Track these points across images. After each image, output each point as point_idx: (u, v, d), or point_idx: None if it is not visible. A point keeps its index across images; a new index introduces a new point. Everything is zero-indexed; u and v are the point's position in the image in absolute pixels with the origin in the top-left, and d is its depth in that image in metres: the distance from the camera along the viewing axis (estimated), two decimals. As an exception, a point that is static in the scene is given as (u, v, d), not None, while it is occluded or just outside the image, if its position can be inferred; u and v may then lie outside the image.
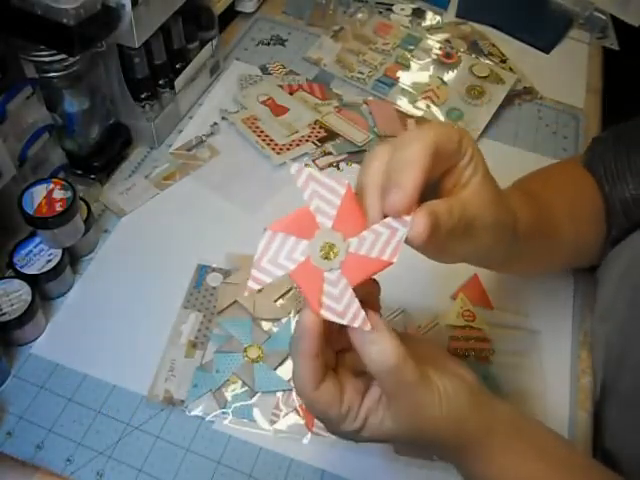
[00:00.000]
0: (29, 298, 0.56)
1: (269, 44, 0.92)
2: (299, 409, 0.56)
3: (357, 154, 0.77)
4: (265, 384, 0.57)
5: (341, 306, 0.35)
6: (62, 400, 0.55)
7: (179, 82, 0.76)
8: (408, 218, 0.34)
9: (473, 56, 0.91)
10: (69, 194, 0.59)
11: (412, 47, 0.91)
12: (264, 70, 0.87)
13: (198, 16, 0.77)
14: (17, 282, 0.56)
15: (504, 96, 0.85)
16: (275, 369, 0.58)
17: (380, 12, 0.98)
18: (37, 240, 0.60)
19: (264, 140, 0.76)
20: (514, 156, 0.80)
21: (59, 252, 0.60)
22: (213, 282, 0.64)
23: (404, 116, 0.82)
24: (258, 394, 0.57)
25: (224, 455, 0.54)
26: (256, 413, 0.56)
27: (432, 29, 0.96)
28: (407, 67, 0.89)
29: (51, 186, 0.59)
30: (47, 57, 0.60)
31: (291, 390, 0.57)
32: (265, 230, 0.35)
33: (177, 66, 0.75)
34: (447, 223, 0.35)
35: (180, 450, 0.54)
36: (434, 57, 0.90)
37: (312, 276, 0.35)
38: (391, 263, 0.35)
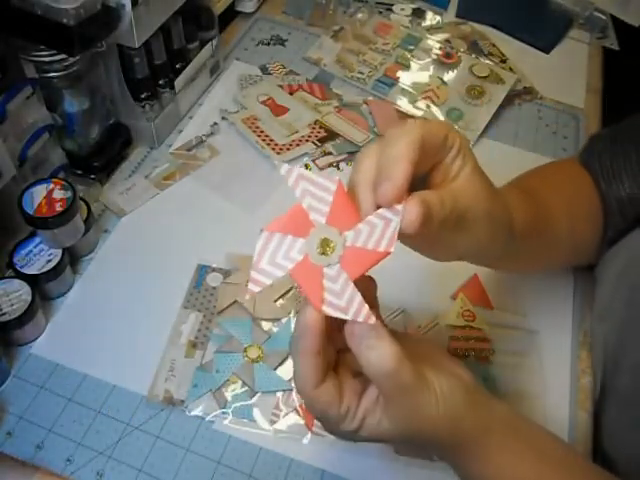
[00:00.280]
0: (29, 298, 0.56)
1: (269, 44, 0.92)
2: (299, 409, 0.56)
3: (356, 155, 0.77)
4: (265, 384, 0.57)
5: (343, 301, 0.35)
6: (62, 400, 0.55)
7: (179, 82, 0.76)
8: (400, 207, 0.34)
9: (473, 56, 0.91)
10: (69, 194, 0.59)
11: (412, 47, 0.91)
12: (264, 70, 0.87)
13: (198, 16, 0.77)
14: (17, 282, 0.56)
15: (504, 96, 0.85)
16: (275, 369, 0.58)
17: (380, 12, 0.98)
18: (37, 240, 0.60)
19: (264, 140, 0.76)
20: (514, 156, 0.80)
21: (59, 252, 0.60)
22: (213, 282, 0.64)
23: (404, 116, 0.82)
24: (258, 394, 0.57)
25: (224, 455, 0.54)
26: (256, 413, 0.56)
27: (432, 29, 0.96)
28: (407, 67, 0.89)
29: (51, 186, 0.59)
30: (47, 57, 0.60)
31: (291, 390, 0.57)
32: (261, 231, 0.36)
33: (177, 66, 0.75)
34: (439, 213, 0.36)
35: (180, 450, 0.54)
36: (434, 57, 0.90)
37: (311, 273, 0.35)
38: (388, 253, 0.35)
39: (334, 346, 0.40)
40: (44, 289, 0.60)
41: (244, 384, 0.57)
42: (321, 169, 0.75)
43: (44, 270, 0.58)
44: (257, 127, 0.78)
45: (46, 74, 0.62)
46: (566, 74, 0.94)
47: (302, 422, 0.55)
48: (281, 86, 0.84)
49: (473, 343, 0.61)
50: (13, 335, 0.57)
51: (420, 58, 0.90)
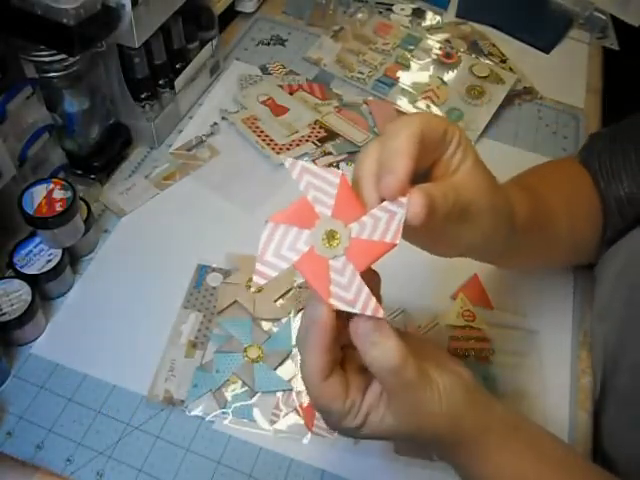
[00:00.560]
0: (29, 298, 0.56)
1: (269, 44, 0.92)
2: (299, 409, 0.56)
3: (357, 154, 0.77)
4: (265, 384, 0.57)
5: (351, 294, 0.34)
6: (62, 400, 0.55)
7: (179, 82, 0.76)
8: (404, 199, 0.35)
9: (473, 56, 0.91)
10: (69, 194, 0.59)
11: (412, 47, 0.91)
12: (264, 70, 0.87)
13: (198, 16, 0.77)
14: (17, 282, 0.56)
15: (504, 96, 0.85)
16: (275, 369, 0.58)
17: (380, 12, 0.98)
18: (37, 240, 0.60)
19: (264, 140, 0.76)
20: (514, 156, 0.80)
21: (59, 252, 0.60)
22: (213, 282, 0.64)
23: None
24: (258, 394, 0.57)
25: (224, 455, 0.54)
26: (256, 413, 0.56)
27: (432, 29, 0.96)
28: (407, 67, 0.89)
29: (51, 186, 0.59)
30: (47, 57, 0.60)
31: (291, 390, 0.57)
32: (266, 222, 0.35)
33: (177, 66, 0.75)
34: (442, 205, 0.36)
35: (180, 450, 0.54)
36: (434, 57, 0.90)
37: (317, 265, 0.35)
38: (394, 245, 0.35)
39: (340, 342, 0.40)
40: (44, 289, 0.60)
41: (244, 384, 0.57)
42: (321, 169, 0.75)
43: (44, 270, 0.58)
44: (257, 127, 0.78)
45: (46, 74, 0.62)
46: (566, 74, 0.94)
47: (302, 422, 0.55)
48: (281, 86, 0.84)
49: (473, 343, 0.61)
50: (13, 335, 0.57)
51: (420, 58, 0.90)
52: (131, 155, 0.75)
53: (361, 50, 0.91)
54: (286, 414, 0.56)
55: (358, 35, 0.93)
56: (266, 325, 0.61)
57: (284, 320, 0.61)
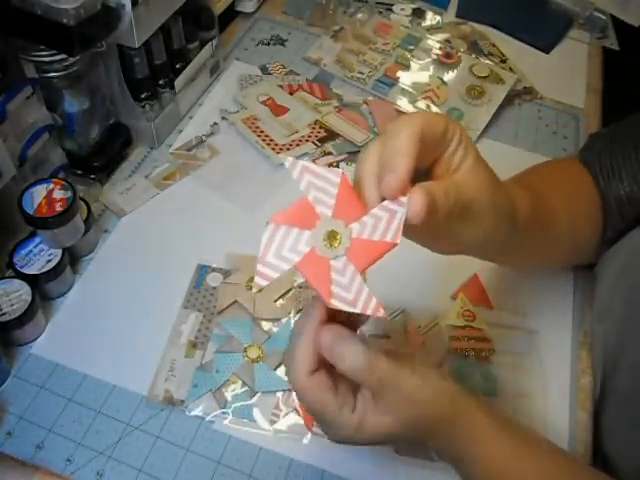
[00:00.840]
0: (29, 298, 0.56)
1: (269, 44, 0.92)
2: (299, 409, 0.56)
3: (357, 154, 0.77)
4: (265, 384, 0.57)
5: (351, 294, 0.35)
6: (62, 400, 0.55)
7: (179, 82, 0.76)
8: (404, 199, 0.35)
9: (473, 56, 0.91)
10: (69, 194, 0.59)
11: (412, 47, 0.91)
12: (264, 70, 0.87)
13: (198, 16, 0.77)
14: (17, 282, 0.56)
15: (504, 96, 0.85)
16: (275, 369, 0.58)
17: (380, 12, 0.98)
18: (37, 240, 0.60)
19: (264, 140, 0.76)
20: (514, 156, 0.80)
21: (59, 252, 0.60)
22: (213, 282, 0.64)
23: (404, 116, 0.82)
24: (258, 394, 0.57)
25: (224, 455, 0.54)
26: (256, 413, 0.56)
27: (432, 29, 0.96)
28: (407, 67, 0.89)
29: (51, 186, 0.59)
30: (47, 57, 0.60)
31: (291, 390, 0.57)
32: (267, 223, 0.35)
33: (177, 66, 0.75)
34: (443, 204, 0.36)
35: (180, 450, 0.54)
36: (434, 57, 0.90)
37: (318, 266, 0.35)
38: (395, 244, 0.35)
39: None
40: (44, 289, 0.60)
41: (244, 384, 0.57)
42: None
43: (44, 270, 0.58)
44: (257, 127, 0.78)
45: (46, 74, 0.62)
46: (566, 74, 0.94)
47: (302, 422, 0.55)
48: (281, 86, 0.84)
49: (473, 343, 0.61)
50: (13, 335, 0.57)
51: (420, 58, 0.90)
52: (131, 155, 0.75)
53: (361, 50, 0.91)
54: (286, 414, 0.56)
55: (358, 35, 0.93)
56: (266, 325, 0.61)
57: (284, 320, 0.61)
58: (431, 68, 0.89)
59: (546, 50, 0.97)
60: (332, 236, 0.35)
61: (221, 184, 0.73)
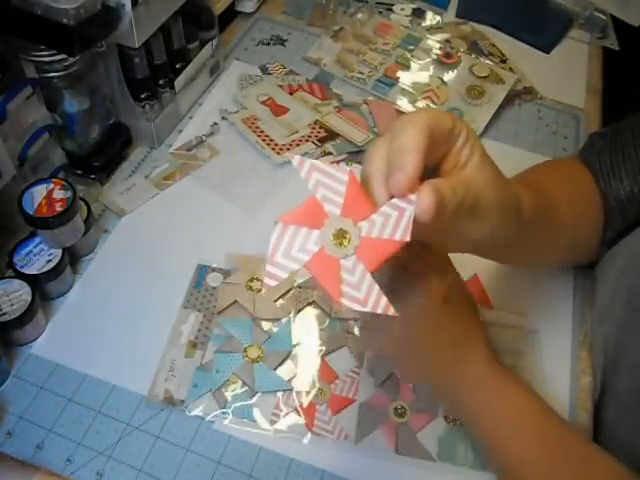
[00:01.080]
0: (29, 298, 0.56)
1: (269, 44, 0.92)
2: (299, 409, 0.56)
3: (357, 154, 0.77)
4: (265, 384, 0.57)
5: (362, 293, 0.34)
6: (62, 400, 0.55)
7: (179, 82, 0.76)
8: (413, 196, 0.34)
9: (473, 56, 0.91)
10: (69, 194, 0.59)
11: (412, 47, 0.91)
12: (264, 70, 0.87)
13: (198, 16, 0.77)
14: (17, 282, 0.56)
15: (504, 96, 0.85)
16: (275, 369, 0.58)
17: (380, 12, 0.98)
18: (37, 240, 0.60)
19: (264, 140, 0.76)
20: (514, 156, 0.80)
21: (59, 252, 0.60)
22: (213, 282, 0.64)
23: (404, 116, 0.82)
24: (258, 394, 0.57)
25: (224, 455, 0.54)
26: (256, 413, 0.56)
27: (432, 29, 0.96)
28: (407, 67, 0.89)
29: (51, 186, 0.59)
30: (47, 57, 0.60)
31: (291, 390, 0.57)
32: (276, 223, 0.35)
33: (177, 66, 0.75)
34: (452, 201, 0.36)
35: (180, 450, 0.54)
36: (434, 57, 0.90)
37: (328, 265, 0.35)
38: (404, 242, 0.35)
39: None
40: (44, 289, 0.60)
41: (244, 384, 0.57)
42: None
43: (44, 270, 0.58)
44: (257, 127, 0.78)
45: (46, 74, 0.62)
46: (566, 74, 0.94)
47: (302, 422, 0.55)
48: (281, 86, 0.84)
49: (473, 343, 0.61)
50: (13, 335, 0.57)
51: (420, 58, 0.90)
52: (131, 155, 0.75)
53: (361, 50, 0.91)
54: (286, 414, 0.56)
55: (358, 35, 0.93)
56: (266, 325, 0.61)
57: (284, 320, 0.61)
58: (431, 68, 0.89)
59: (546, 50, 0.97)
60: (341, 235, 0.35)
61: (221, 184, 0.73)
